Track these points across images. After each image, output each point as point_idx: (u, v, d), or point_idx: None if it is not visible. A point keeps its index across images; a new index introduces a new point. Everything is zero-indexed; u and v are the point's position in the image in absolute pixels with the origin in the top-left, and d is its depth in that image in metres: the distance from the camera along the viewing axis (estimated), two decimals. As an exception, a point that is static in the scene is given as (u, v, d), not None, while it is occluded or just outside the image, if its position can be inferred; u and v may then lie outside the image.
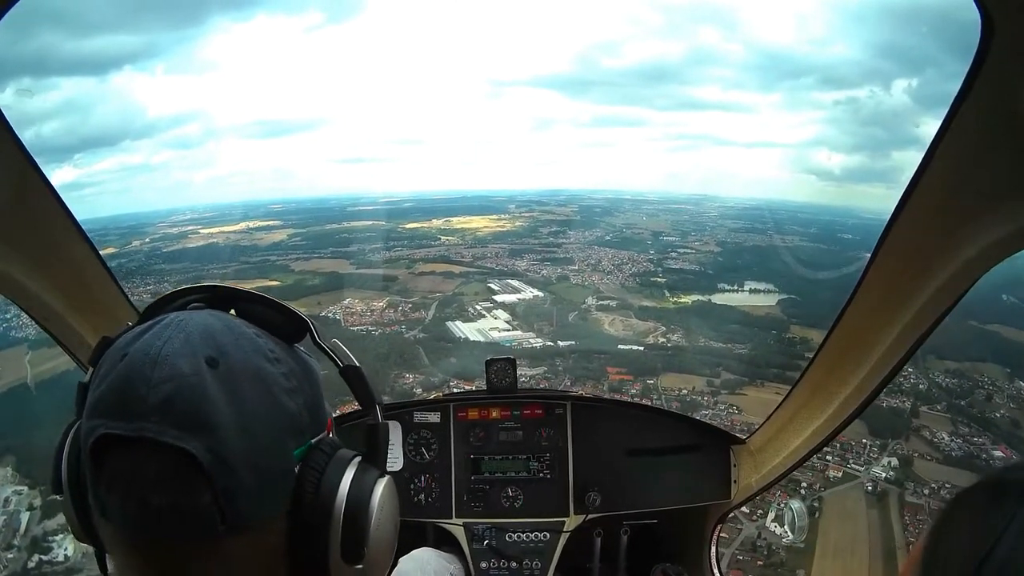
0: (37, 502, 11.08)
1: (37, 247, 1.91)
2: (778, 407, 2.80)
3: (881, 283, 1.95)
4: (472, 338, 22.41)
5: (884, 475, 14.05)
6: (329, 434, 1.00)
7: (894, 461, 14.21)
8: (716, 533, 3.21)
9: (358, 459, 0.98)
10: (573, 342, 22.16)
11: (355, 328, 22.50)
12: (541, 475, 3.09)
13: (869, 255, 1.91)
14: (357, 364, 1.06)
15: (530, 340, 22.17)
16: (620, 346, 21.73)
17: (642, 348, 21.33)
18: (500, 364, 3.11)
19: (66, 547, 10.65)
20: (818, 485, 13.92)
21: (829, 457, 13.85)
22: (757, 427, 3.00)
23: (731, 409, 17.11)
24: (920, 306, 1.84)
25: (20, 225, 1.81)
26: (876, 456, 14.38)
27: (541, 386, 5.23)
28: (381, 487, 0.98)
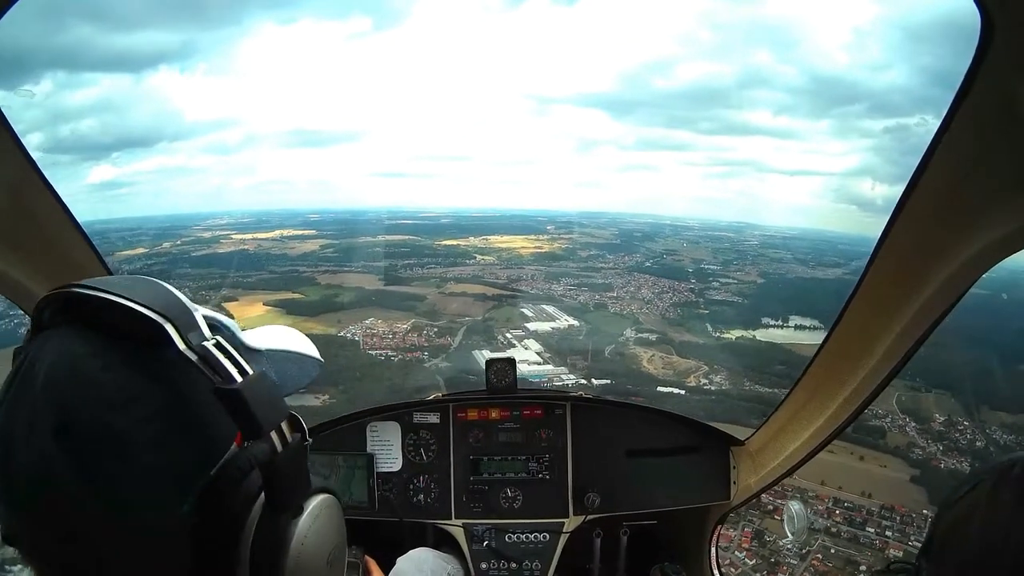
0: None
1: (37, 247, 1.91)
2: (777, 408, 2.81)
3: (881, 283, 1.95)
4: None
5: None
6: (242, 443, 0.85)
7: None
8: (716, 534, 3.23)
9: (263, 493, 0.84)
10: (609, 381, 20.73)
11: (373, 352, 21.54)
12: (541, 476, 3.09)
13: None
14: (238, 382, 0.81)
15: (562, 376, 20.62)
16: (660, 388, 20.23)
17: (683, 392, 19.84)
18: (500, 364, 3.11)
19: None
20: (878, 567, 12.43)
21: (889, 533, 13.12)
22: (756, 428, 3.00)
23: None
24: (920, 307, 1.84)
25: (20, 225, 1.82)
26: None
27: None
28: (295, 529, 0.85)
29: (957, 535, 0.95)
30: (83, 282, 0.83)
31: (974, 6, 1.19)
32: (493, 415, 3.11)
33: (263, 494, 0.83)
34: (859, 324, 2.12)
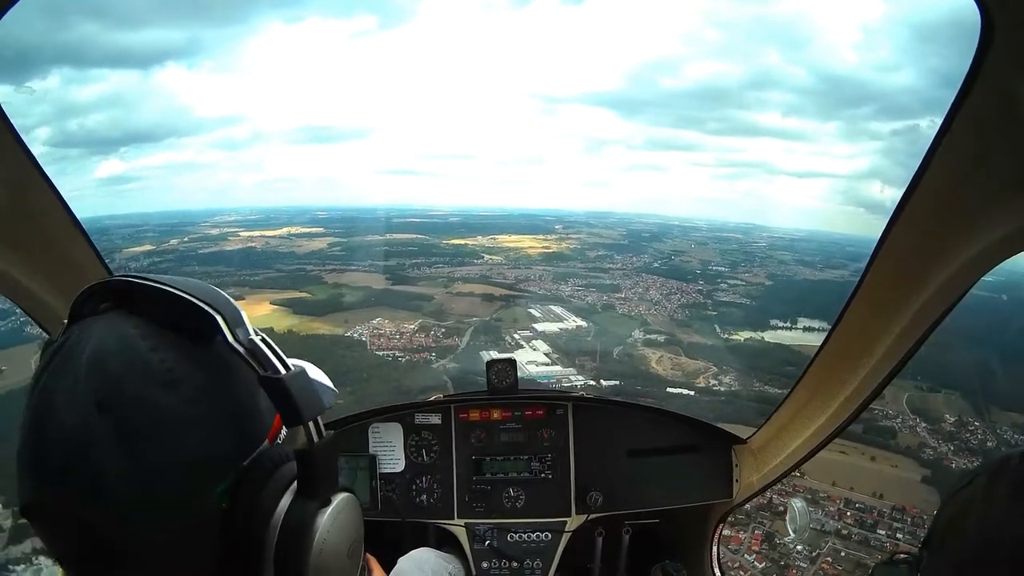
0: (7, 523, 9.92)
1: (37, 247, 1.91)
2: (779, 406, 2.81)
3: (881, 283, 1.94)
4: (507, 372, 20.53)
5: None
6: (275, 439, 0.92)
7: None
8: (718, 532, 3.24)
9: (295, 484, 0.88)
10: (617, 382, 20.65)
11: (380, 352, 21.44)
12: (542, 475, 3.10)
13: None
14: (280, 373, 0.85)
15: (570, 377, 20.54)
16: (669, 389, 20.10)
17: (692, 393, 19.73)
18: (501, 365, 3.11)
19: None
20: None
21: (900, 535, 12.93)
22: (759, 427, 3.00)
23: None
24: (920, 306, 1.83)
25: (20, 225, 1.81)
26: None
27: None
28: (322, 519, 0.87)
29: (954, 529, 0.96)
30: (128, 274, 0.87)
31: (974, 6, 1.19)
32: (495, 415, 3.12)
33: (292, 486, 0.87)
34: (859, 324, 2.13)
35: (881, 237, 1.81)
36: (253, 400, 0.88)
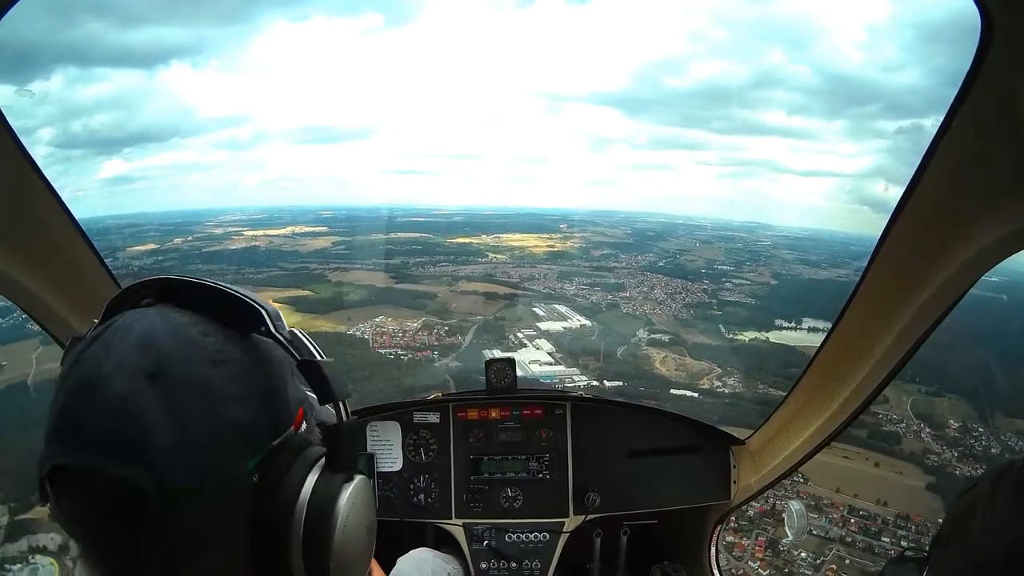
0: (4, 520, 9.59)
1: (37, 247, 1.93)
2: (777, 408, 2.81)
3: (881, 284, 1.96)
4: (509, 371, 20.51)
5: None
6: (298, 428, 0.97)
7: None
8: (716, 533, 3.25)
9: (322, 461, 0.94)
10: (621, 383, 20.34)
11: (382, 351, 21.36)
12: (541, 475, 3.10)
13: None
14: (317, 358, 0.96)
15: (573, 377, 20.36)
16: (672, 391, 19.91)
17: (696, 395, 19.58)
18: (500, 364, 3.13)
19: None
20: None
21: (904, 543, 12.78)
22: (757, 428, 3.00)
23: (794, 477, 15.12)
24: (919, 307, 1.84)
25: (20, 225, 1.83)
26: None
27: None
28: (347, 493, 0.93)
29: (958, 530, 0.98)
30: (167, 275, 0.95)
31: (974, 7, 1.20)
32: (493, 415, 3.12)
33: (316, 466, 0.92)
34: (859, 324, 2.13)
35: (881, 237, 1.82)
36: (285, 389, 0.95)
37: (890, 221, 1.75)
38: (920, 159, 1.55)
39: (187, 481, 0.80)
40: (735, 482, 3.06)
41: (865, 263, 2.00)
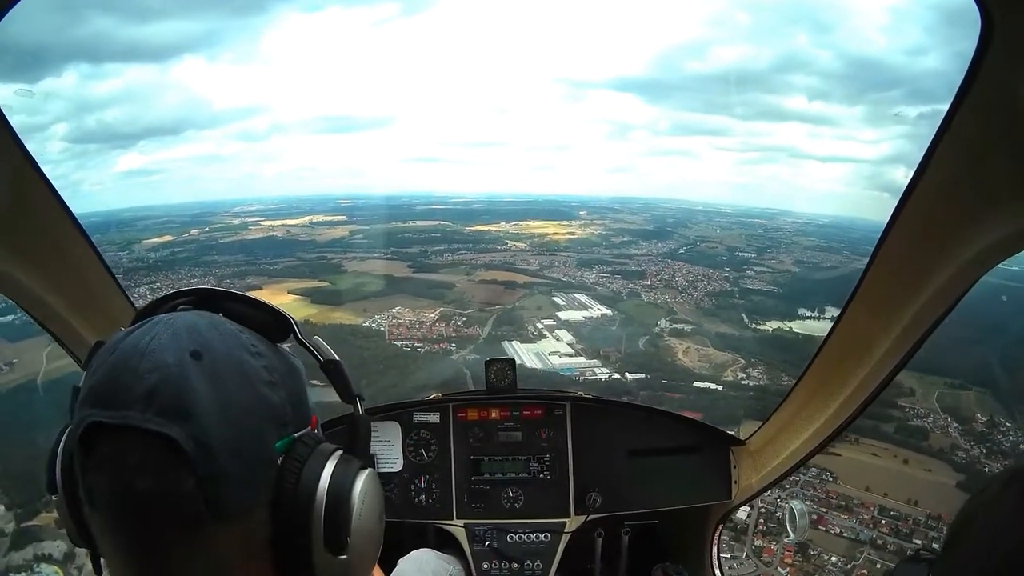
0: (10, 527, 9.64)
1: (37, 247, 1.93)
2: (778, 407, 2.81)
3: (881, 284, 1.96)
4: (529, 364, 19.79)
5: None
6: (314, 430, 1.03)
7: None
8: (717, 533, 3.26)
9: (340, 452, 1.01)
10: (643, 375, 20.06)
11: (399, 343, 21.21)
12: (541, 476, 3.11)
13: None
14: (337, 359, 1.10)
15: (594, 370, 20.08)
16: (696, 383, 19.56)
17: (720, 388, 19.22)
18: (500, 364, 3.14)
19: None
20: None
21: (936, 545, 12.01)
22: (757, 428, 3.02)
23: (824, 475, 13.95)
24: (920, 307, 1.83)
25: (20, 225, 1.84)
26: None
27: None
28: (362, 479, 1.00)
29: (963, 532, 0.96)
30: (207, 286, 1.05)
31: (974, 6, 1.19)
32: (493, 415, 3.13)
33: (336, 453, 1.00)
34: (859, 324, 2.13)
35: (881, 236, 1.82)
36: (305, 395, 1.02)
37: (890, 221, 1.75)
38: (920, 159, 1.55)
39: (224, 442, 0.85)
40: (736, 482, 3.07)
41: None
